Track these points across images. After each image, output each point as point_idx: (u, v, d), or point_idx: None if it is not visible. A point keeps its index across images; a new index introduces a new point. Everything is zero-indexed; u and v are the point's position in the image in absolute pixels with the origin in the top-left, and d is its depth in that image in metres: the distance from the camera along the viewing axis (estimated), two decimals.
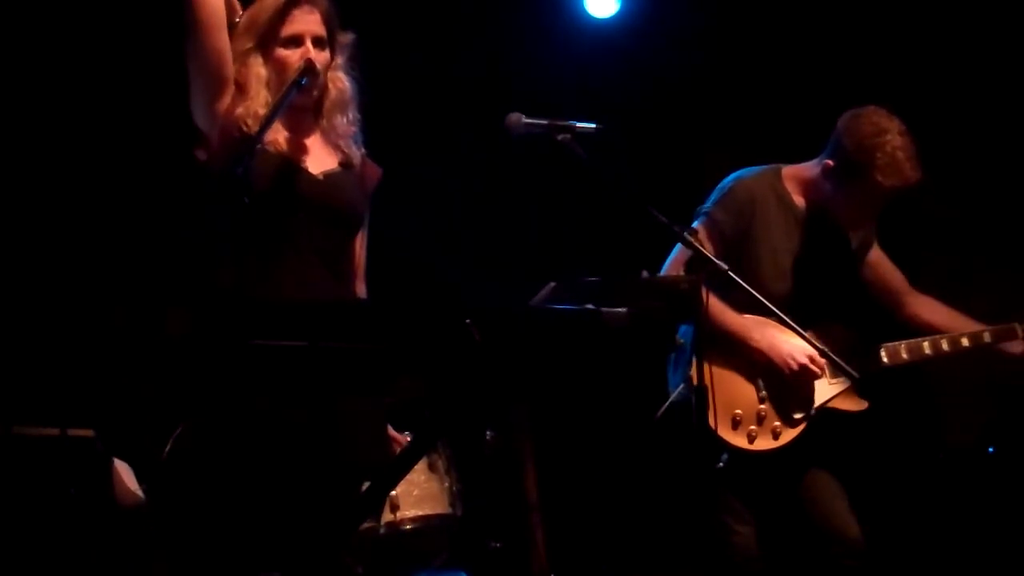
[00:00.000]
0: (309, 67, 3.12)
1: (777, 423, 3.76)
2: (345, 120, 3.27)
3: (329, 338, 2.37)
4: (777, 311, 3.16)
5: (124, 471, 3.65)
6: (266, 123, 2.99)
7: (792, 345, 3.71)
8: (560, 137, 3.18)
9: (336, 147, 3.27)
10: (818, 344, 3.43)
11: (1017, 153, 5.18)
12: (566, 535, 4.58)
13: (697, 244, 3.11)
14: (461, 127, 5.14)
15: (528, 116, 3.21)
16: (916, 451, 5.10)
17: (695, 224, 3.85)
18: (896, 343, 3.91)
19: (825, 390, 3.81)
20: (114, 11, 4.61)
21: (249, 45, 3.16)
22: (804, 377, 3.73)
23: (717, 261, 3.10)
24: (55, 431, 3.44)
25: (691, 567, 5.29)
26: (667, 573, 5.29)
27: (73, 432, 3.47)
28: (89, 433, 3.49)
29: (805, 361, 3.70)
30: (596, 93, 5.17)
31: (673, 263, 3.79)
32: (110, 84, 4.66)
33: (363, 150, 3.32)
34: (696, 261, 3.09)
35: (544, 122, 3.20)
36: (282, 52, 3.17)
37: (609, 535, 5.15)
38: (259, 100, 3.13)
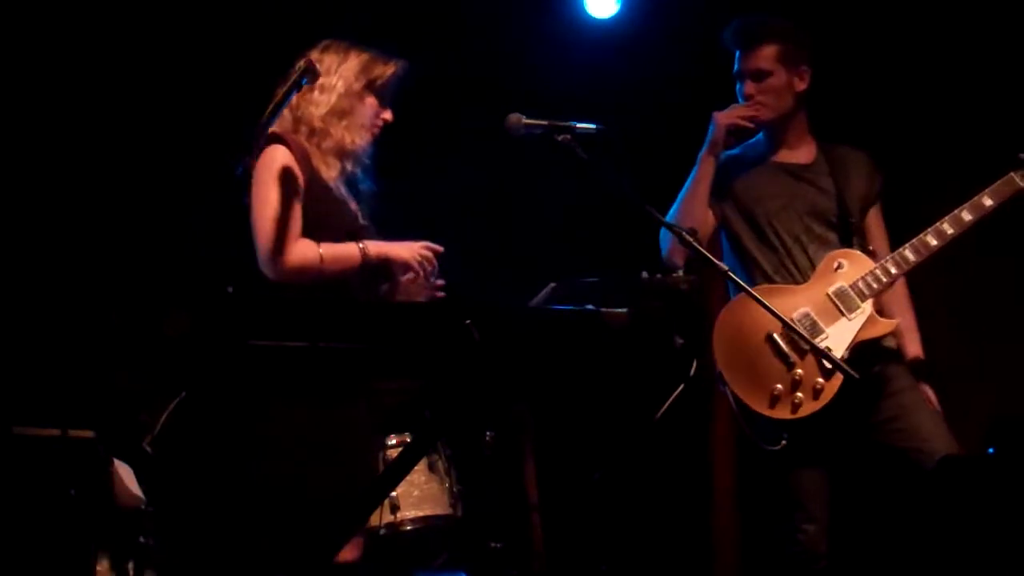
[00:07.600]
0: (309, 67, 3.13)
1: (818, 380, 3.65)
2: None
3: (329, 338, 2.36)
4: (776, 311, 3.15)
5: (124, 472, 3.65)
6: (268, 120, 2.99)
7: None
8: (560, 138, 3.18)
9: None
10: (817, 345, 3.51)
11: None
12: (566, 535, 4.58)
13: (696, 244, 3.12)
14: (461, 127, 5.13)
15: (528, 117, 3.21)
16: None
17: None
18: (901, 248, 3.80)
19: (847, 329, 3.73)
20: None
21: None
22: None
23: (717, 262, 3.12)
24: (55, 432, 3.44)
25: (690, 567, 5.31)
26: (667, 573, 5.29)
27: (74, 433, 3.47)
28: (89, 434, 3.49)
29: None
30: (596, 93, 5.16)
31: None
32: (116, 86, 4.67)
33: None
34: (696, 261, 3.11)
35: (544, 123, 3.21)
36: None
37: (609, 535, 5.14)
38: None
